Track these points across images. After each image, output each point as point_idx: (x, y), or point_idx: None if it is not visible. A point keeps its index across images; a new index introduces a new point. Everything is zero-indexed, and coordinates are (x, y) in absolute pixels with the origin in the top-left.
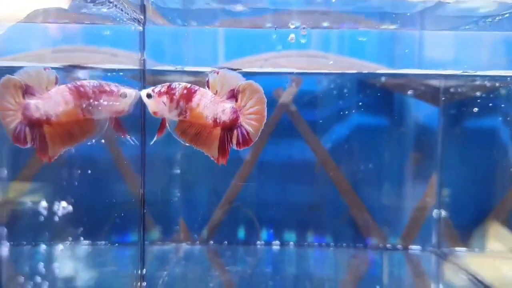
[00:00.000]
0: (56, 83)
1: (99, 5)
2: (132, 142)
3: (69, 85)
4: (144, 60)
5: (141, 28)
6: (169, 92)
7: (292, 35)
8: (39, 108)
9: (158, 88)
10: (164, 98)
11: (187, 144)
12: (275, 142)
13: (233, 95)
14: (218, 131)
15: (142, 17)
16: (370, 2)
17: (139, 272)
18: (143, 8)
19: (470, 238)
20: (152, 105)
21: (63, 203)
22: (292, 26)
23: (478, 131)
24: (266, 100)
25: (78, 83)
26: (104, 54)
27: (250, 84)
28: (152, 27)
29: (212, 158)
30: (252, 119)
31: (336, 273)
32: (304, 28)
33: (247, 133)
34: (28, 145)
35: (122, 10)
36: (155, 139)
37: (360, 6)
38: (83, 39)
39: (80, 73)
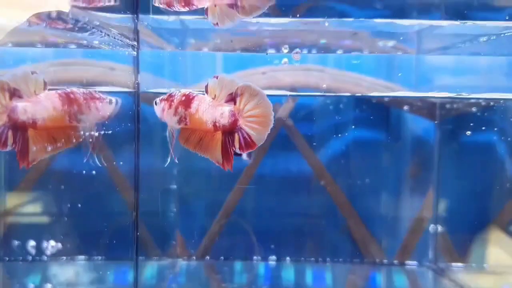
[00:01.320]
0: (44, 88)
1: (90, 36)
2: (92, 163)
3: (59, 91)
4: (138, 83)
5: (135, 53)
6: (168, 99)
7: (285, 59)
8: (27, 111)
9: (162, 96)
10: (163, 105)
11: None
12: (272, 156)
13: (232, 98)
14: (219, 135)
15: (136, 42)
16: (366, 22)
17: None
18: (136, 33)
19: (467, 253)
20: (157, 112)
21: (59, 219)
22: (285, 51)
23: (474, 145)
24: (271, 104)
25: (68, 90)
26: (102, 67)
27: (248, 86)
28: (148, 50)
29: (217, 164)
30: (253, 122)
31: None
32: (297, 53)
33: (249, 136)
34: (8, 148)
35: (114, 38)
36: (171, 152)
37: (356, 27)
38: (81, 53)
39: None
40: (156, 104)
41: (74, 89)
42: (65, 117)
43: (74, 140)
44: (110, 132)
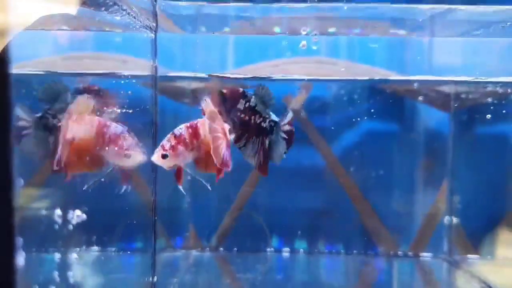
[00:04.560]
0: (92, 111)
1: (112, 13)
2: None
3: (101, 119)
4: (156, 66)
5: (153, 35)
6: (180, 140)
7: (304, 42)
8: (72, 130)
9: (166, 144)
10: (181, 149)
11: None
12: None
13: None
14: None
15: (154, 24)
16: (380, 9)
17: (150, 279)
18: (155, 15)
19: (482, 245)
20: (170, 163)
21: (72, 211)
22: (303, 33)
23: (489, 137)
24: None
25: (108, 123)
26: (115, 60)
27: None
28: (162, 34)
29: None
30: None
31: (347, 281)
32: (315, 34)
33: None
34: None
35: (134, 17)
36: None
37: (370, 13)
38: (94, 46)
39: None
40: (166, 156)
41: (113, 124)
42: (94, 145)
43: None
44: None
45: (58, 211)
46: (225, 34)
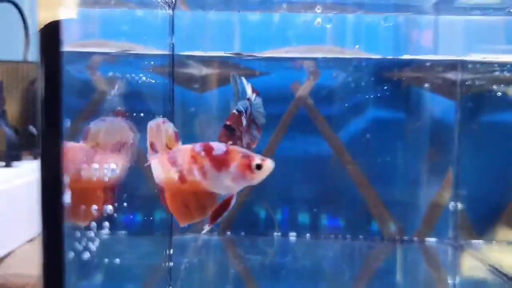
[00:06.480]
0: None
1: None
2: None
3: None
4: (173, 44)
5: (171, 12)
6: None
7: (319, 19)
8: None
9: (258, 157)
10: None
11: None
12: (292, 135)
13: None
14: None
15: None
16: None
17: (167, 252)
18: None
19: (486, 232)
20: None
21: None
22: (318, 11)
23: (495, 124)
24: None
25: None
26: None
27: None
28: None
29: None
30: None
31: (353, 264)
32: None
33: None
34: None
35: None
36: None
37: None
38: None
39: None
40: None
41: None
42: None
43: None
44: None
45: None
46: (235, 12)
